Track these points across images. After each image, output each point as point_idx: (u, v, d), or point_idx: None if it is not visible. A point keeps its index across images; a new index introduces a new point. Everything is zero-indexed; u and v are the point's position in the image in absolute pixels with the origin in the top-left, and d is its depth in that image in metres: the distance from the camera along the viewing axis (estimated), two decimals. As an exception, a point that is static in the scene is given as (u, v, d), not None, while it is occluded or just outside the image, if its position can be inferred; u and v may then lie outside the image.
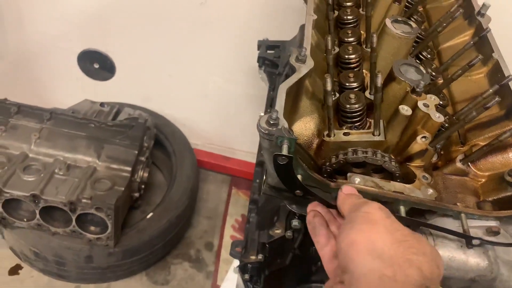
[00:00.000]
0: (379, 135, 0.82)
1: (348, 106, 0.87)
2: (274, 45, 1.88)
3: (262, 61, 1.84)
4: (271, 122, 0.69)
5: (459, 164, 0.85)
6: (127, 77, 2.42)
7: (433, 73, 0.99)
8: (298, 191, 0.75)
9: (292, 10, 2.02)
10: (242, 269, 1.23)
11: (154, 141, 2.26)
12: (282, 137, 0.69)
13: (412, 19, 1.15)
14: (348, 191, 0.74)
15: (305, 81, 0.84)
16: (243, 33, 2.10)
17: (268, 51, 1.87)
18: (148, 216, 2.05)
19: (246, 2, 2.02)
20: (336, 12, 1.14)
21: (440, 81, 1.02)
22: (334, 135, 0.84)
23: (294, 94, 0.83)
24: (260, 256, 1.16)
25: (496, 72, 0.94)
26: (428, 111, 0.78)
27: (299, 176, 0.74)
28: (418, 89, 0.80)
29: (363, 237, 0.61)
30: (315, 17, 0.97)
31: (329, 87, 0.76)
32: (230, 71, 2.28)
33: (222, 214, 2.42)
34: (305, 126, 0.87)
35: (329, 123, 0.82)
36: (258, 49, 1.88)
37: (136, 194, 2.03)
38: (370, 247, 0.60)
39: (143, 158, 2.00)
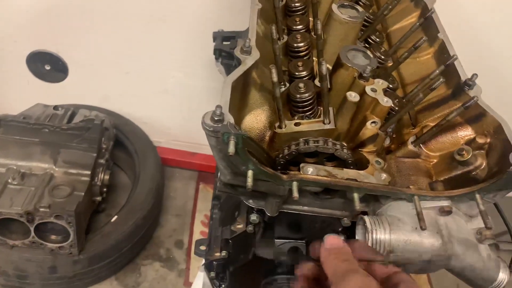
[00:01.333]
0: (329, 123, 0.81)
1: (298, 95, 0.86)
2: (229, 36, 1.84)
3: (219, 53, 1.80)
4: (216, 118, 0.66)
5: (410, 147, 0.85)
6: (82, 77, 2.32)
7: (382, 57, 0.99)
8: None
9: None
10: (207, 267, 1.21)
11: (115, 141, 2.19)
12: (228, 133, 0.67)
13: (360, 3, 1.15)
14: (329, 244, 0.66)
15: (252, 73, 0.81)
16: (200, 25, 2.05)
17: (224, 43, 1.83)
18: (113, 219, 1.99)
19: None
20: (284, 0, 1.13)
21: (390, 64, 1.02)
22: (285, 126, 0.83)
23: (242, 87, 0.80)
24: (223, 253, 1.14)
25: (442, 52, 0.95)
26: (376, 96, 0.78)
27: (250, 172, 0.72)
28: (365, 74, 0.79)
29: None
30: (260, 6, 0.94)
31: (275, 78, 0.74)
32: (189, 65, 2.23)
33: (191, 211, 2.39)
34: (256, 119, 0.85)
35: (279, 115, 0.81)
36: (214, 41, 1.84)
37: (98, 198, 1.96)
38: None
39: (102, 161, 1.94)
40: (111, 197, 2.23)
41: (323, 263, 0.65)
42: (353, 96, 0.77)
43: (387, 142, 0.89)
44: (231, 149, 0.65)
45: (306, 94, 0.84)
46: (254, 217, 0.92)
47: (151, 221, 2.14)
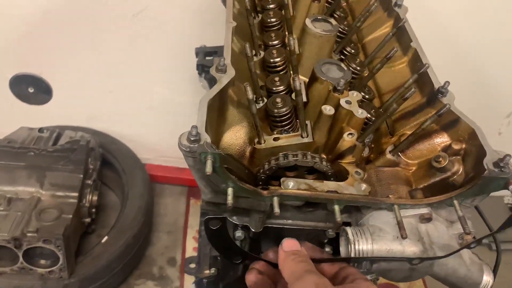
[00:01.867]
0: (307, 136, 0.82)
1: (275, 110, 0.86)
2: (211, 51, 1.86)
3: (202, 68, 1.81)
4: (192, 138, 0.67)
5: (389, 156, 0.86)
6: (66, 98, 2.32)
7: (358, 68, 1.00)
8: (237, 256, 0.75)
9: (228, 14, 2.01)
10: (198, 285, 1.21)
11: (102, 161, 2.18)
12: (205, 153, 0.67)
13: (335, 15, 1.17)
14: (287, 247, 0.72)
15: (228, 90, 0.82)
16: (182, 41, 2.07)
17: (207, 58, 1.85)
18: (103, 240, 1.97)
19: (180, 10, 1.99)
20: (260, 16, 1.14)
21: (366, 74, 1.04)
22: (264, 141, 0.83)
23: (219, 105, 0.81)
24: (213, 270, 1.13)
25: (415, 61, 0.97)
26: (350, 108, 0.79)
27: (229, 190, 0.72)
28: (339, 87, 0.81)
29: None
30: (234, 24, 0.95)
31: (250, 95, 0.75)
32: (173, 80, 2.24)
33: (182, 227, 2.38)
34: (235, 136, 0.85)
35: (257, 131, 0.81)
36: (197, 56, 1.85)
37: (87, 220, 1.95)
38: None
39: (90, 181, 1.92)
40: (101, 217, 2.21)
41: (281, 264, 0.70)
42: (327, 110, 0.78)
43: (366, 152, 0.90)
44: (209, 168, 0.66)
45: (284, 109, 0.85)
46: (239, 233, 0.92)
47: (142, 239, 2.13)
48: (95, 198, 1.96)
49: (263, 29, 1.11)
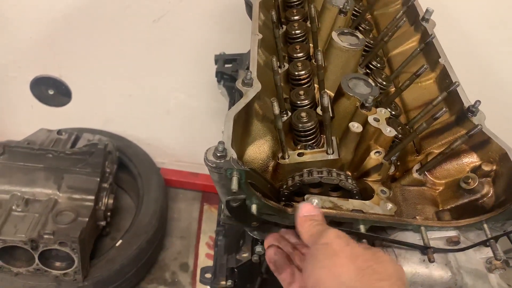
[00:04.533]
0: (332, 153, 0.81)
1: (300, 125, 0.85)
2: (231, 58, 1.85)
3: (221, 75, 1.81)
4: (218, 154, 0.66)
5: (415, 175, 0.84)
6: (85, 101, 2.34)
7: (384, 83, 0.99)
8: (254, 222, 0.73)
9: (249, 21, 2.01)
10: (213, 296, 1.20)
11: (119, 164, 2.19)
12: (231, 169, 0.66)
13: (360, 27, 1.16)
14: (305, 212, 0.71)
15: (254, 104, 0.81)
16: (201, 47, 2.07)
17: (226, 65, 1.85)
18: (117, 244, 1.97)
19: (200, 15, 1.99)
20: (284, 27, 1.13)
21: (392, 89, 1.02)
22: (289, 156, 0.82)
23: (244, 119, 0.80)
24: (229, 282, 1.12)
25: (444, 78, 0.95)
26: (379, 125, 0.77)
27: (253, 206, 0.71)
28: (367, 104, 0.79)
29: (327, 275, 0.60)
30: (260, 36, 0.95)
31: (276, 111, 0.74)
32: (191, 86, 2.24)
33: (195, 233, 2.37)
34: (259, 150, 0.84)
35: (282, 146, 0.80)
36: (216, 63, 1.85)
37: (103, 223, 1.95)
38: (336, 284, 0.59)
39: (106, 185, 1.93)
40: (115, 220, 2.22)
41: (299, 228, 0.69)
42: (355, 127, 0.77)
43: (392, 170, 0.88)
44: (234, 185, 0.65)
45: (308, 124, 0.84)
46: (259, 248, 0.91)
47: (156, 244, 2.12)
48: (110, 201, 1.96)
49: (287, 41, 1.11)
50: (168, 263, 2.23)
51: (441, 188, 0.85)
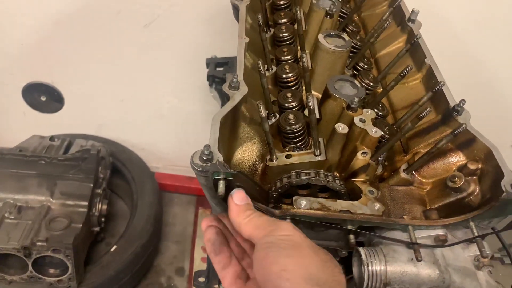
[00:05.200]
0: (320, 154, 0.81)
1: (287, 127, 0.86)
2: (222, 62, 1.86)
3: (212, 79, 1.82)
4: (204, 158, 0.66)
5: (403, 174, 0.85)
6: (77, 107, 2.33)
7: (371, 84, 0.99)
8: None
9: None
10: (207, 300, 1.20)
11: (112, 169, 2.19)
12: (218, 172, 0.66)
13: (348, 29, 1.16)
14: (238, 199, 0.67)
15: (241, 107, 0.82)
16: (192, 50, 2.08)
17: (217, 69, 1.85)
18: (112, 249, 1.97)
19: (191, 20, 2.00)
20: (272, 30, 1.14)
21: (380, 89, 1.03)
22: (277, 158, 0.82)
23: (231, 122, 0.81)
24: (222, 286, 1.12)
25: (430, 78, 0.96)
26: (365, 126, 0.78)
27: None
28: (353, 105, 0.80)
29: (295, 264, 0.58)
30: (247, 39, 0.95)
31: (263, 113, 0.75)
32: (183, 89, 2.24)
33: (190, 237, 2.37)
34: (247, 153, 0.85)
35: (270, 148, 0.81)
36: (207, 67, 1.86)
37: (97, 228, 1.95)
38: (305, 275, 0.57)
39: (99, 190, 1.93)
40: (110, 225, 2.21)
41: (236, 218, 0.66)
42: (341, 128, 0.77)
43: (380, 170, 0.88)
44: (221, 189, 0.65)
45: (296, 126, 0.85)
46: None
47: (151, 249, 2.12)
48: (104, 207, 1.96)
49: (275, 44, 1.11)
50: (164, 267, 2.22)
51: (428, 187, 0.85)
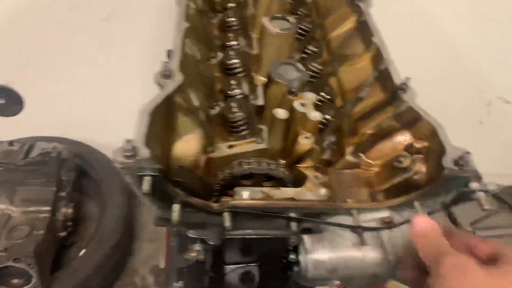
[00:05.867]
0: (262, 142, 0.78)
1: (230, 116, 0.82)
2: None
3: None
4: (127, 154, 0.62)
5: (349, 157, 0.82)
6: (39, 108, 2.25)
7: (319, 67, 0.96)
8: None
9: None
10: (168, 299, 1.16)
11: (80, 171, 2.12)
12: (142, 169, 0.62)
13: (298, 12, 1.13)
14: (418, 227, 0.62)
15: (175, 97, 0.77)
16: (154, 43, 2.01)
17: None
18: (81, 254, 1.91)
19: (151, 10, 1.93)
20: (220, 15, 1.10)
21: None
22: (218, 149, 0.79)
23: (166, 113, 0.76)
24: (180, 283, 1.09)
25: (379, 57, 0.93)
26: (304, 110, 0.75)
27: (175, 206, 0.68)
28: (293, 89, 0.76)
29: None
30: (186, 25, 0.91)
31: (195, 103, 0.71)
32: (148, 84, 2.17)
33: (165, 234, 2.32)
34: (188, 145, 0.80)
35: (208, 139, 0.77)
36: (168, 57, 1.80)
37: (63, 233, 1.88)
38: None
39: (64, 194, 1.86)
40: (81, 229, 2.15)
41: (416, 245, 0.62)
42: (280, 113, 0.74)
43: (328, 154, 0.86)
44: (145, 186, 0.61)
45: (238, 114, 0.81)
46: (197, 247, 0.87)
47: (123, 250, 2.07)
48: (70, 210, 1.89)
49: (224, 29, 1.07)
50: (138, 267, 2.17)
51: (376, 169, 0.83)
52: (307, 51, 1.02)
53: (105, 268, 1.93)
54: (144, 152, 0.62)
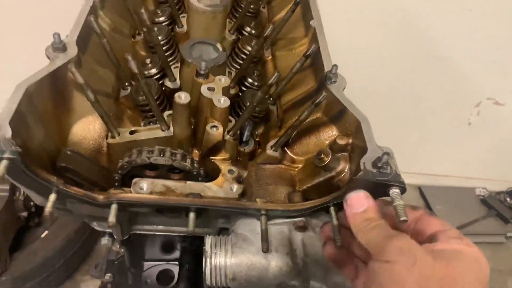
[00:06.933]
0: (168, 129, 0.70)
1: (140, 98, 0.74)
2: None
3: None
4: (-15, 133, 0.54)
5: (269, 151, 0.73)
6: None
7: (248, 49, 0.87)
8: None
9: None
10: (100, 290, 1.10)
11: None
12: (2, 151, 0.54)
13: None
14: (355, 208, 0.56)
15: (68, 73, 0.68)
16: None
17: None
18: (43, 235, 1.86)
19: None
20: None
21: (269, 57, 0.91)
22: (119, 134, 0.71)
23: (55, 91, 0.67)
24: (108, 276, 1.02)
25: (315, 42, 0.83)
26: (211, 95, 0.66)
27: (51, 196, 0.60)
28: (201, 71, 0.68)
29: None
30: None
31: (79, 80, 0.62)
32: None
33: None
34: (88, 128, 0.73)
35: (105, 122, 0.69)
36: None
37: (24, 213, 1.83)
38: None
39: (24, 173, 1.80)
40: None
41: (353, 229, 0.56)
42: (180, 98, 0.65)
43: (251, 147, 0.77)
44: (1, 171, 0.53)
45: (143, 97, 0.73)
46: (105, 240, 0.80)
47: (88, 232, 2.01)
48: (31, 191, 1.83)
49: (156, 5, 0.98)
50: (105, 252, 2.12)
51: (300, 165, 0.74)
52: (244, 32, 0.93)
53: (67, 251, 1.88)
54: (6, 132, 0.54)
